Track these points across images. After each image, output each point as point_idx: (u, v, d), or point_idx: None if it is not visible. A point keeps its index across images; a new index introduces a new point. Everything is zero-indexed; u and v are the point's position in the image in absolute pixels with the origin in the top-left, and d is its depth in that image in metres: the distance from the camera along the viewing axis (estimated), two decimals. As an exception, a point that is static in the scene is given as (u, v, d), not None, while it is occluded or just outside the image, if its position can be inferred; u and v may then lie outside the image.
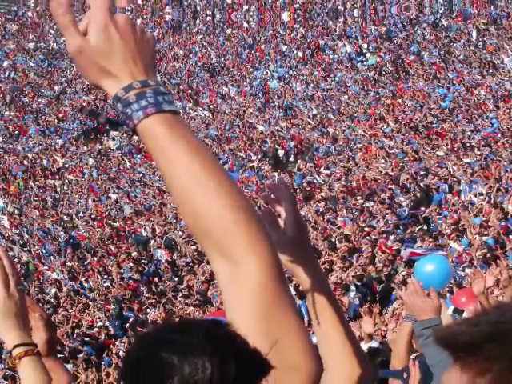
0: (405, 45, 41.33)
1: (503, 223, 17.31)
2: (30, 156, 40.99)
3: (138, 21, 44.24)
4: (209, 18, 51.89)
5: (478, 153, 24.79)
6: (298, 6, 48.70)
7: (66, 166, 39.45)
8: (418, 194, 22.16)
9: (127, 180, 35.39)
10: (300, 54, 44.95)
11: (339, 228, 21.29)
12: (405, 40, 41.97)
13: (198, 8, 52.82)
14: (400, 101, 34.59)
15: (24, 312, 2.58)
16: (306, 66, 43.55)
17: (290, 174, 29.58)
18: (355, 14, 46.64)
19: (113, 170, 37.64)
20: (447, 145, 27.08)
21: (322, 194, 25.88)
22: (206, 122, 40.70)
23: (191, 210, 1.59)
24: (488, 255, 14.97)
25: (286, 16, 48.53)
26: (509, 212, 18.22)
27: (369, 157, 28.66)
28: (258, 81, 43.68)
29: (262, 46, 47.58)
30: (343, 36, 45.11)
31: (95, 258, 25.67)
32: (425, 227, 19.61)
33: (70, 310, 20.74)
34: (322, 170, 29.13)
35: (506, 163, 22.88)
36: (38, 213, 33.57)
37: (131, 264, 23.68)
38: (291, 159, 32.95)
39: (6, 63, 54.69)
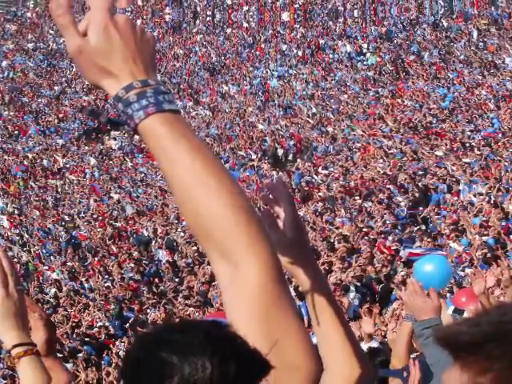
0: (405, 45, 41.34)
1: (504, 223, 17.31)
2: (30, 156, 40.99)
3: (138, 21, 44.28)
4: (209, 19, 51.91)
5: (478, 153, 24.78)
6: (297, 6, 48.72)
7: (68, 166, 39.46)
8: (417, 194, 22.14)
9: (129, 180, 35.40)
10: (300, 54, 44.98)
11: (337, 228, 21.28)
12: (405, 40, 41.98)
13: (198, 9, 52.85)
14: (399, 101, 34.59)
15: (23, 312, 2.58)
16: (305, 65, 43.58)
17: (288, 174, 29.58)
18: (355, 15, 46.65)
19: (115, 169, 37.65)
20: (446, 145, 27.07)
21: (320, 194, 25.87)
22: (207, 120, 40.74)
23: (192, 209, 1.59)
24: (488, 255, 14.97)
25: (286, 16, 48.56)
26: (509, 212, 18.22)
27: (367, 156, 28.65)
28: (258, 79, 43.72)
29: (262, 45, 47.62)
30: (343, 36, 45.13)
31: (96, 258, 25.68)
32: (423, 227, 19.61)
33: (69, 310, 20.73)
34: (320, 169, 29.12)
35: (506, 163, 22.87)
36: (38, 213, 33.56)
37: (132, 264, 23.68)
38: (290, 158, 32.97)
39: (4, 63, 54.69)
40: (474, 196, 20.64)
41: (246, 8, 50.22)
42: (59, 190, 36.72)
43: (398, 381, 5.55)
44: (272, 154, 33.08)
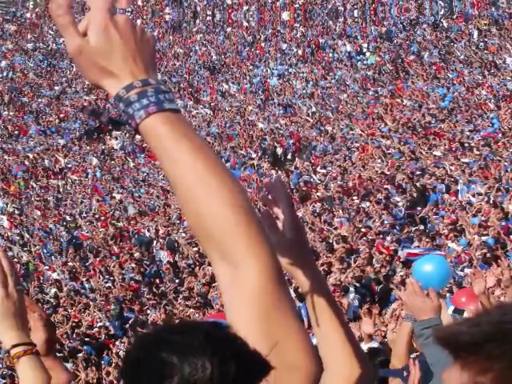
0: (405, 45, 41.33)
1: (503, 223, 17.30)
2: (30, 156, 40.98)
3: (138, 21, 44.29)
4: (209, 18, 51.93)
5: (477, 153, 24.76)
6: (297, 6, 48.73)
7: (69, 166, 39.46)
8: (415, 194, 22.12)
9: (131, 180, 35.38)
10: (300, 52, 44.99)
11: (336, 229, 21.27)
12: (405, 40, 41.98)
13: (198, 9, 52.85)
14: (399, 100, 34.58)
15: (22, 312, 2.58)
16: (305, 64, 43.59)
17: (287, 173, 29.56)
18: (355, 15, 46.66)
19: (117, 169, 37.64)
20: (445, 145, 27.04)
21: (319, 193, 25.84)
22: (207, 119, 40.75)
23: (194, 209, 1.59)
24: (488, 255, 14.96)
25: (286, 16, 48.58)
26: (509, 212, 18.21)
27: (365, 156, 28.62)
28: (258, 78, 43.74)
29: (262, 44, 47.63)
30: (343, 35, 45.14)
31: (97, 259, 25.67)
32: (421, 227, 19.59)
33: (70, 310, 20.72)
34: (318, 169, 29.10)
35: (506, 163, 22.85)
36: (39, 213, 33.55)
37: (133, 265, 23.67)
38: (289, 157, 32.96)
39: (3, 63, 54.67)
40: (473, 196, 20.62)
41: (245, 8, 50.23)
42: (61, 190, 36.71)
43: (398, 381, 5.56)
44: (271, 153, 33.08)
